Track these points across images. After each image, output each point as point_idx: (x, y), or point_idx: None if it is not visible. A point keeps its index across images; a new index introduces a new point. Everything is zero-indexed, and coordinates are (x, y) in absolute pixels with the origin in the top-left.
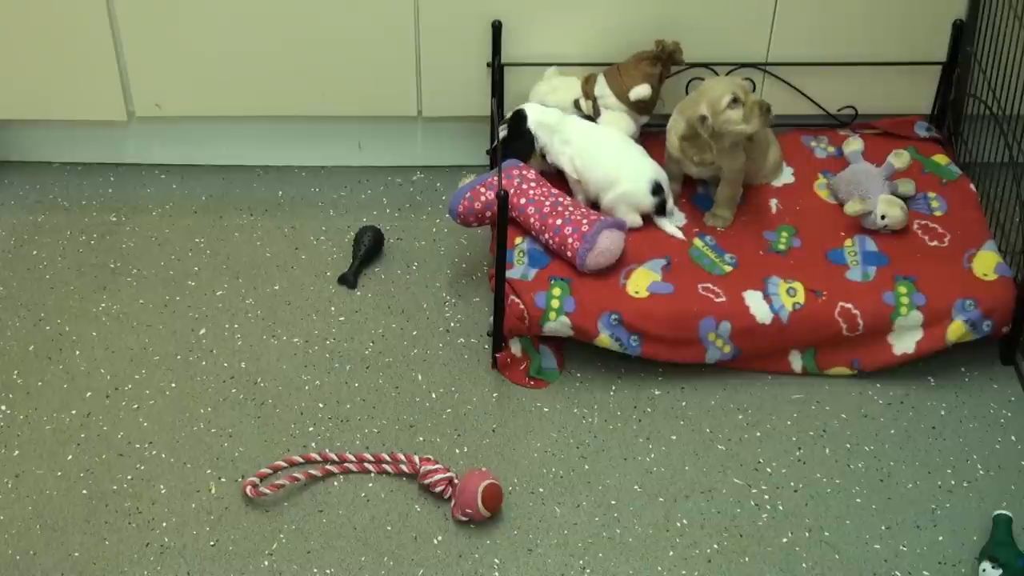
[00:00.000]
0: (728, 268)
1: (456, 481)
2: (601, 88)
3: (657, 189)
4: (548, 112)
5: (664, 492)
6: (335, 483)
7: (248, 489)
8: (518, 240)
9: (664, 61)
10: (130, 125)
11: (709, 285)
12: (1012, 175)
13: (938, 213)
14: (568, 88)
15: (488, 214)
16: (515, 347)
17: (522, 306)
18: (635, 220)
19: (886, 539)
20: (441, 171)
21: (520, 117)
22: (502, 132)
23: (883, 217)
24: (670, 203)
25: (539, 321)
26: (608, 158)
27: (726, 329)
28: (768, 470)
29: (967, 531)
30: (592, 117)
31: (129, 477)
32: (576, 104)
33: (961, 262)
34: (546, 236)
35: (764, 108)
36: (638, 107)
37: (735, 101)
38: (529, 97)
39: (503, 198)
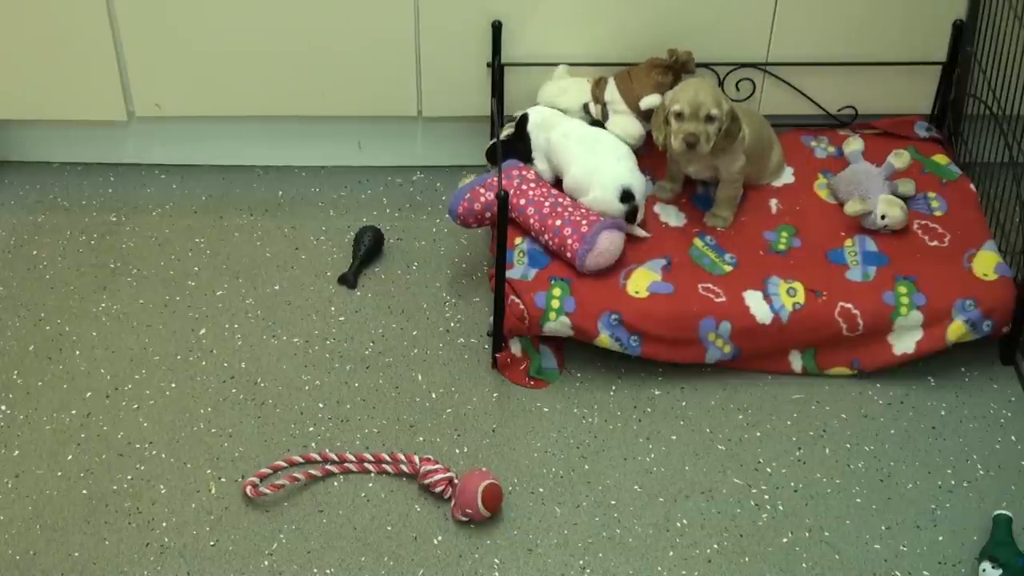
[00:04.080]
0: (728, 268)
1: (456, 481)
2: (611, 93)
3: (626, 196)
4: (549, 113)
5: (664, 492)
6: (335, 483)
7: (248, 489)
8: (518, 240)
9: (676, 71)
10: (130, 125)
11: (709, 285)
12: (1012, 175)
13: (938, 213)
14: (578, 91)
15: (488, 215)
16: (515, 347)
17: (522, 306)
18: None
19: (886, 539)
20: (441, 171)
21: (524, 119)
22: (505, 132)
23: (883, 217)
24: (641, 214)
25: (539, 321)
26: (580, 162)
27: (726, 329)
28: (768, 470)
29: (967, 531)
30: (601, 121)
31: (129, 477)
32: (585, 108)
33: (961, 262)
34: (546, 237)
35: (687, 141)
36: (648, 115)
37: (680, 115)
38: (537, 97)
39: (503, 199)
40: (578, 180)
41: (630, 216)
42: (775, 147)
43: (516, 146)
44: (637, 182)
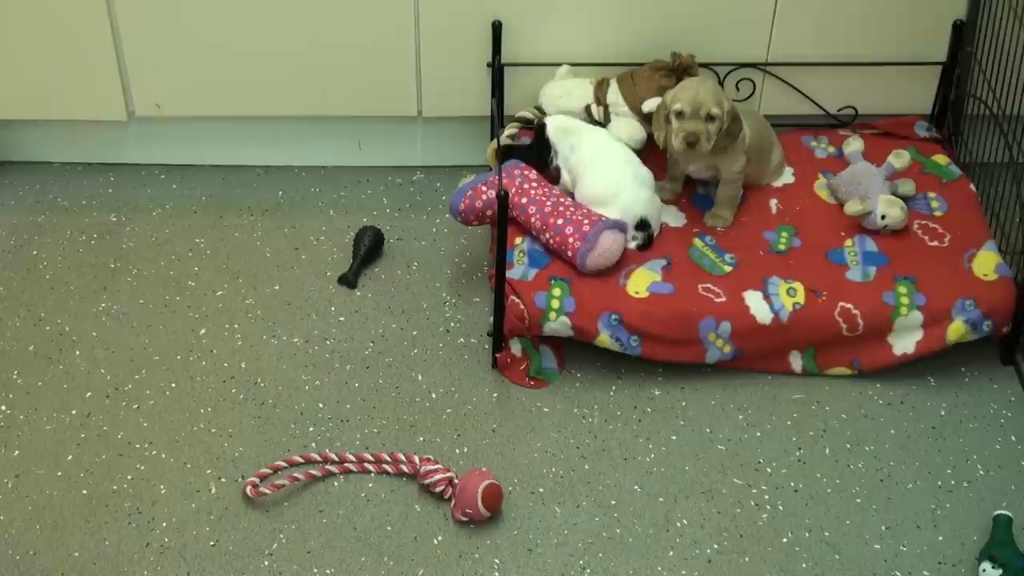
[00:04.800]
0: (728, 268)
1: (456, 481)
2: (614, 95)
3: (642, 225)
4: (568, 120)
5: (664, 492)
6: (335, 483)
7: (248, 489)
8: (518, 240)
9: (679, 74)
10: (130, 125)
11: (709, 285)
12: (1012, 175)
13: (938, 213)
14: (581, 92)
15: (489, 213)
16: (515, 347)
17: (522, 306)
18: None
19: (886, 539)
20: (441, 171)
21: (542, 127)
22: (506, 132)
23: (883, 217)
24: (655, 232)
25: (539, 321)
26: (604, 182)
27: (726, 329)
28: (768, 470)
29: (967, 531)
30: (603, 123)
31: (129, 477)
32: (587, 110)
33: (961, 262)
34: (547, 236)
35: (688, 140)
36: (650, 118)
37: (680, 114)
38: (539, 97)
39: (503, 198)
40: (596, 194)
41: (642, 244)
42: (775, 147)
43: (532, 154)
44: (654, 212)
